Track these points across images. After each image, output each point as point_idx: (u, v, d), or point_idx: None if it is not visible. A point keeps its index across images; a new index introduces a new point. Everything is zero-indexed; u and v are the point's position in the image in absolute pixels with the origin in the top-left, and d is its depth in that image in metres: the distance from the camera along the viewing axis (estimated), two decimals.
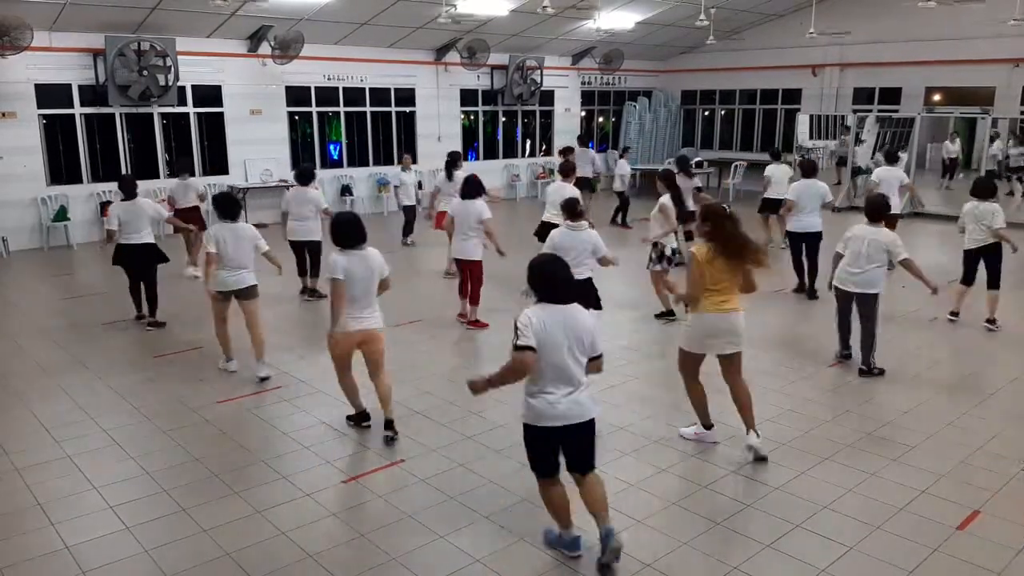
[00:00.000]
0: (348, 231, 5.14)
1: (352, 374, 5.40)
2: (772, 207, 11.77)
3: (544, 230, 8.09)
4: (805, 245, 9.27)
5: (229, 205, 6.58)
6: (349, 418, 5.59)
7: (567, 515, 3.92)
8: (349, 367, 5.36)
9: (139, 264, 7.89)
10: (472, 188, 7.99)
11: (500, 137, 18.20)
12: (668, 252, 8.02)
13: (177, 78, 12.48)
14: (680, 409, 5.74)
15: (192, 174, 10.63)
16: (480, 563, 3.90)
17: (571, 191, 8.37)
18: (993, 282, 7.78)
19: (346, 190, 15.28)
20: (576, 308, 3.78)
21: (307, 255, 9.00)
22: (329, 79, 14.86)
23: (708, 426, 5.27)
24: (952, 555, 3.95)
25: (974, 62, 15.49)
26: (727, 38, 17.32)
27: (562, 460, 3.90)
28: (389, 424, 5.35)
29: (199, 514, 4.33)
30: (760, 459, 4.96)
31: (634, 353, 7.19)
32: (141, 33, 12.08)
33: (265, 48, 13.40)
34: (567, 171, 9.35)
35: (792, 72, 18.26)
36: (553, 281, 3.76)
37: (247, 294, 6.51)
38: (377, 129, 15.90)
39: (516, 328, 3.65)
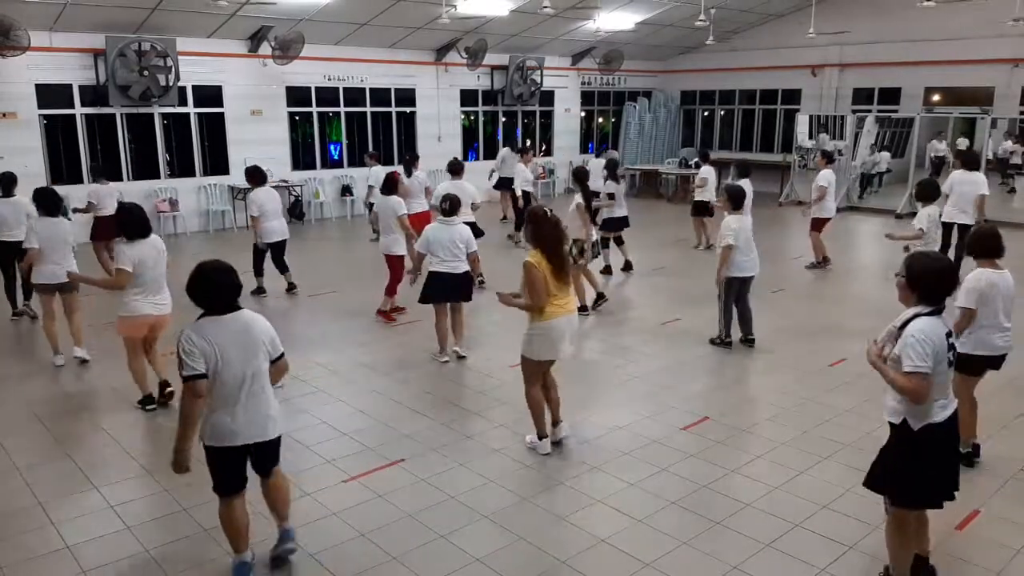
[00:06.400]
0: (134, 220, 5.50)
1: (142, 358, 5.80)
2: (703, 210, 11.73)
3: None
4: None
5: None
6: (139, 402, 5.84)
7: (244, 538, 3.74)
8: (141, 350, 5.78)
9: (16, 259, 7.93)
10: (390, 185, 8.10)
11: (500, 137, 18.19)
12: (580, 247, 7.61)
13: (178, 78, 12.49)
14: (679, 408, 5.74)
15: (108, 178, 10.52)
16: (480, 563, 3.89)
17: (471, 190, 8.75)
18: None
19: (346, 190, 15.29)
20: (247, 314, 3.55)
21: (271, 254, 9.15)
22: (329, 79, 14.86)
23: (543, 436, 5.12)
24: (952, 555, 3.94)
25: (974, 62, 15.49)
26: (727, 39, 17.31)
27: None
28: (165, 383, 5.84)
29: (199, 514, 4.33)
30: (557, 442, 5.18)
31: (632, 353, 7.19)
32: (142, 33, 12.09)
33: (265, 48, 13.39)
34: (456, 170, 9.66)
35: (792, 72, 18.26)
36: (217, 289, 3.48)
37: (67, 288, 6.69)
38: (377, 129, 15.91)
39: (179, 356, 3.38)
